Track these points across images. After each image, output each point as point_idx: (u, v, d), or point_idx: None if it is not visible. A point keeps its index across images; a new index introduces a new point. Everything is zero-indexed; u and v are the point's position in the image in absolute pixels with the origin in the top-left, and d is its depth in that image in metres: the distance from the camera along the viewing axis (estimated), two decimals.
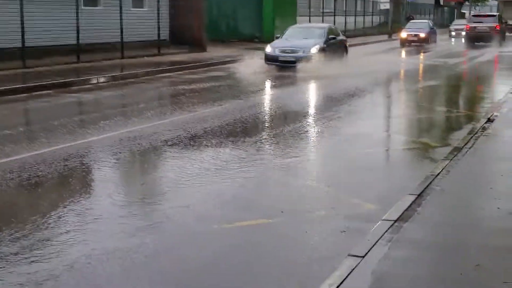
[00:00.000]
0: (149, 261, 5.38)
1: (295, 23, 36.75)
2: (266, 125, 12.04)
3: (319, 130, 11.37)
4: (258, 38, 34.03)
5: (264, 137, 10.52)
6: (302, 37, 22.31)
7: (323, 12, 41.66)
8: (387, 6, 48.49)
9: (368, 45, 37.60)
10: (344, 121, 12.28)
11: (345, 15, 45.51)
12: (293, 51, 21.16)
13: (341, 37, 24.54)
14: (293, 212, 6.66)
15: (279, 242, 5.90)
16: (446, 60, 28.25)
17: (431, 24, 39.67)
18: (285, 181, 7.89)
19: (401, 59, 30.19)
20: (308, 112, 13.78)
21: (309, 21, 39.21)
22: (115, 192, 7.43)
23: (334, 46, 22.68)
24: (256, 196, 7.35)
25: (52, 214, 6.52)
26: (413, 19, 52.61)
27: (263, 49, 29.98)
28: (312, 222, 6.41)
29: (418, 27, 38.45)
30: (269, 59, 21.42)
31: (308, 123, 12.02)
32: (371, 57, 28.42)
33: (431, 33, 38.63)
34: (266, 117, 13.02)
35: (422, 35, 37.23)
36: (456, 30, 48.97)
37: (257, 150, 9.54)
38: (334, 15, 43.26)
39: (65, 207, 6.76)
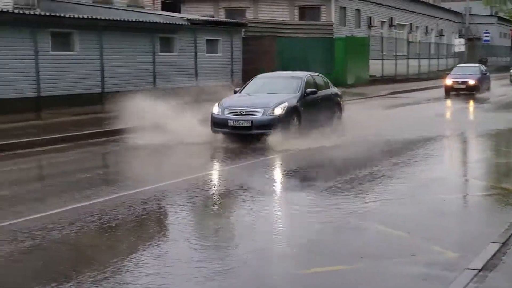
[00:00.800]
0: None
1: (367, 66, 36.75)
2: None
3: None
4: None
5: (339, 181, 10.44)
6: (269, 90, 15.66)
7: (396, 56, 41.42)
8: (462, 49, 47.91)
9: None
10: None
11: (419, 58, 45.14)
12: (248, 113, 14.43)
13: (330, 90, 17.25)
14: (372, 258, 6.53)
15: None
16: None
17: (483, 69, 32.85)
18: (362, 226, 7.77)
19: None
20: None
21: (382, 65, 38.99)
22: (192, 235, 7.49)
23: (317, 103, 15.78)
24: (333, 241, 7.25)
25: (131, 257, 6.61)
26: (486, 61, 51.39)
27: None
28: (392, 269, 6.26)
29: (467, 72, 31.46)
30: (216, 123, 14.60)
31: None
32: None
33: (483, 79, 31.67)
34: None
35: (472, 82, 30.17)
36: None
37: (332, 195, 9.46)
38: (408, 58, 42.97)
39: (144, 250, 6.84)
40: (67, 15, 19.61)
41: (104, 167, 12.79)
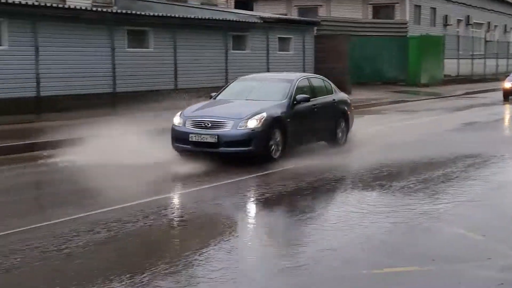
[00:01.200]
0: None
1: (442, 66, 35.98)
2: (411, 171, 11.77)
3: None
4: (403, 81, 33.58)
5: (412, 181, 10.27)
6: (249, 96, 12.70)
7: (472, 55, 40.41)
8: None
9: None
10: None
11: (497, 58, 43.89)
12: (215, 125, 11.53)
13: (333, 97, 13.95)
14: (445, 260, 6.39)
15: None
16: None
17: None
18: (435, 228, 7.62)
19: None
20: None
21: (458, 65, 38.10)
22: (263, 232, 7.52)
23: (312, 113, 12.87)
24: (405, 242, 7.13)
25: (203, 251, 6.68)
26: None
27: (407, 92, 29.77)
28: (466, 272, 6.11)
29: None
30: (177, 137, 11.86)
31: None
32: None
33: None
34: None
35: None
36: None
37: (404, 195, 9.32)
38: (485, 58, 41.86)
39: (215, 245, 6.91)
40: (143, 13, 20.02)
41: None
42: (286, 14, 36.51)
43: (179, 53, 20.96)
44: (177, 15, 21.25)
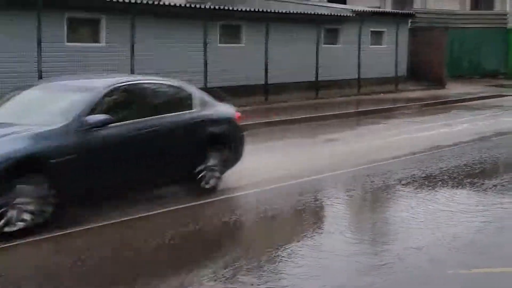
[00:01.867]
0: None
1: None
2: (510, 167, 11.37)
3: None
4: (503, 75, 32.35)
5: (506, 179, 9.92)
6: (16, 114, 8.09)
7: None
8: None
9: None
10: None
11: None
12: None
13: (194, 114, 8.97)
14: None
15: None
16: None
17: None
18: None
19: None
20: None
21: None
22: (347, 229, 7.48)
23: (137, 144, 8.11)
24: (496, 242, 6.91)
25: (286, 247, 6.71)
26: None
27: (508, 86, 28.62)
28: None
29: None
30: None
31: None
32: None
33: None
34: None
35: None
36: None
37: (497, 193, 9.02)
38: None
39: (298, 241, 6.93)
40: (236, 8, 20.23)
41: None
42: (379, 7, 35.95)
43: (270, 48, 21.05)
44: (270, 10, 21.34)
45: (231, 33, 20.79)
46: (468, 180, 9.90)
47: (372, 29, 26.10)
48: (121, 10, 17.33)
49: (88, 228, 7.27)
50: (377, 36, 26.43)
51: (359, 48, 24.22)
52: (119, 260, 6.49)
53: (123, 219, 7.62)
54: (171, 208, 8.17)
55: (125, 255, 6.63)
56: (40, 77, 15.23)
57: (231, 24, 20.70)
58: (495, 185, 9.49)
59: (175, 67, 18.67)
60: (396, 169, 10.77)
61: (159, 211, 8.03)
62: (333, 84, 23.57)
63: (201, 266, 6.16)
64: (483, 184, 9.61)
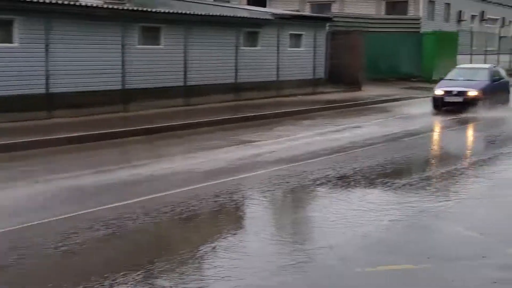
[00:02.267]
0: None
1: (455, 62, 35.75)
2: (420, 167, 11.76)
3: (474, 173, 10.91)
4: (416, 77, 33.41)
5: (414, 179, 10.26)
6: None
7: (486, 51, 40.08)
8: None
9: None
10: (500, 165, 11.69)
11: (511, 53, 43.40)
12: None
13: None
14: (440, 259, 6.41)
15: None
16: None
17: (496, 73, 22.69)
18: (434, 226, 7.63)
19: None
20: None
21: (471, 61, 37.82)
22: (261, 230, 7.56)
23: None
24: (402, 240, 7.15)
25: (200, 249, 6.74)
26: None
27: (421, 88, 29.59)
28: (460, 271, 6.13)
29: (469, 77, 21.58)
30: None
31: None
32: None
33: (493, 89, 21.22)
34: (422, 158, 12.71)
35: (473, 93, 20.36)
36: None
37: (406, 192, 9.32)
38: (499, 54, 41.47)
39: (213, 243, 6.97)
40: (155, 10, 20.06)
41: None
42: (298, 10, 36.46)
43: (189, 50, 20.97)
44: (190, 12, 21.28)
45: (150, 35, 20.60)
46: (380, 180, 10.19)
47: (291, 32, 26.43)
48: (35, 11, 16.90)
49: None
50: (296, 39, 26.78)
51: (278, 50, 24.44)
52: None
53: None
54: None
55: None
56: None
57: (151, 25, 20.52)
58: (404, 185, 9.81)
59: (92, 68, 18.40)
60: (311, 169, 10.95)
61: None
62: (252, 86, 23.73)
63: (115, 270, 6.10)
64: (393, 183, 9.91)
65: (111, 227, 7.53)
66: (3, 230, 7.31)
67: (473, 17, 45.32)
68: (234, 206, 8.78)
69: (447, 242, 7.01)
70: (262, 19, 24.62)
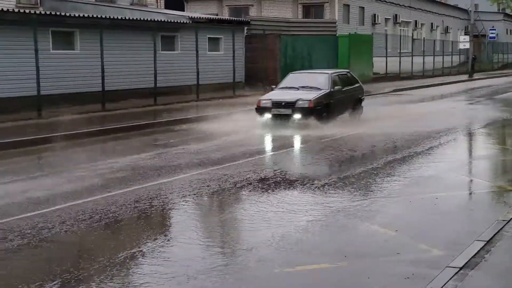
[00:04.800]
0: None
1: (371, 64, 36.71)
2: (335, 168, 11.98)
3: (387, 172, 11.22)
4: None
5: (333, 179, 10.45)
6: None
7: (400, 53, 41.32)
8: (467, 45, 47.68)
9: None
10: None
11: (424, 55, 44.98)
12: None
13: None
14: (356, 256, 6.56)
15: None
16: None
17: (336, 78, 18.33)
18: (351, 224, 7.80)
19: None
20: None
21: (386, 63, 38.83)
22: (180, 234, 7.53)
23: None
24: (320, 240, 7.27)
25: (120, 256, 6.65)
26: (475, 59, 50.58)
27: None
28: (376, 268, 6.29)
29: (305, 84, 17.87)
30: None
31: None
32: None
33: (332, 98, 17.43)
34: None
35: (303, 103, 16.60)
36: None
37: (324, 193, 9.49)
38: (412, 56, 42.84)
39: (131, 249, 6.88)
40: (69, 14, 19.69)
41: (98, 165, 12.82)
42: (217, 14, 36.58)
43: (106, 55, 20.67)
44: (104, 16, 21.00)
45: (64, 40, 20.22)
46: (299, 181, 10.33)
47: (210, 36, 26.48)
48: None
49: None
50: (214, 43, 26.85)
51: (197, 54, 24.41)
52: None
53: None
54: None
55: None
56: None
57: (64, 30, 20.13)
58: (323, 185, 9.97)
59: (4, 73, 17.93)
60: (232, 173, 10.99)
61: None
62: (173, 90, 23.64)
63: (30, 280, 5.94)
64: (312, 184, 10.06)
65: (26, 236, 7.34)
66: None
67: (387, 20, 46.64)
68: (154, 211, 8.70)
69: (363, 240, 7.18)
70: (179, 22, 24.58)
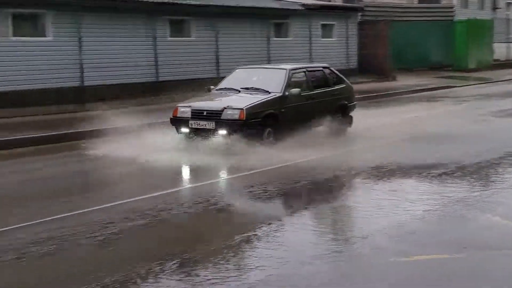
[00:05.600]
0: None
1: (491, 50, 35.20)
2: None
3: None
4: (449, 67, 32.99)
5: (450, 169, 10.12)
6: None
7: None
8: None
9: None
10: None
11: None
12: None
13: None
14: (476, 248, 6.32)
15: (457, 280, 5.62)
16: None
17: (291, 79, 12.71)
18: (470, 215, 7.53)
19: None
20: None
21: (507, 49, 37.13)
22: (294, 220, 7.54)
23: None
24: (436, 230, 7.05)
25: (235, 239, 6.75)
26: None
27: (454, 77, 29.24)
28: (497, 261, 6.03)
29: (249, 82, 12.90)
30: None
31: None
32: None
33: (285, 106, 12.18)
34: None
35: (232, 114, 11.51)
36: None
37: (441, 182, 9.21)
38: None
39: (248, 232, 6.96)
40: (182, 2, 20.15)
41: None
42: (329, 1, 36.22)
43: (220, 42, 21.03)
44: (217, 4, 21.33)
45: (180, 27, 20.71)
46: (415, 170, 10.09)
47: (323, 22, 26.31)
48: (67, 5, 17.10)
49: None
50: (327, 29, 26.65)
51: (310, 41, 24.39)
52: None
53: None
54: None
55: None
56: None
57: (180, 18, 20.63)
58: (440, 175, 9.69)
59: (125, 61, 18.60)
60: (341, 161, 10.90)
61: None
62: None
63: (152, 258, 6.14)
64: (429, 173, 9.79)
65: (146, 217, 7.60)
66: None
67: (508, 4, 44.55)
68: (268, 196, 8.75)
69: (484, 232, 6.91)
70: (292, 9, 24.54)
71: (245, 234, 6.86)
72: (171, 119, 12.19)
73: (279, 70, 13.05)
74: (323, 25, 26.40)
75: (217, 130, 11.45)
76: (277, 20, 24.11)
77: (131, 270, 5.83)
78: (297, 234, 6.94)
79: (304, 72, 13.25)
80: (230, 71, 13.96)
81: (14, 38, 16.32)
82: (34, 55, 16.53)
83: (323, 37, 26.44)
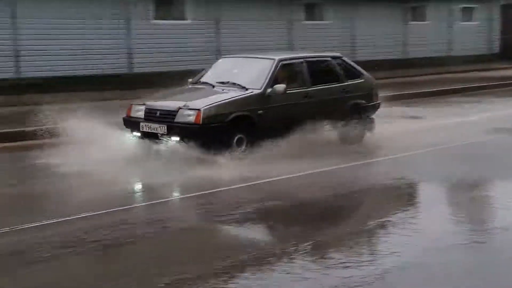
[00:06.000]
0: (461, 277, 5.19)
1: None
2: None
3: None
4: None
5: None
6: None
7: None
8: None
9: None
10: None
11: None
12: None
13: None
14: None
15: None
16: None
17: (277, 72, 9.93)
18: None
19: None
20: None
21: None
22: (431, 207, 7.35)
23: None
24: None
25: (369, 224, 6.68)
26: None
27: None
28: None
29: (228, 76, 10.26)
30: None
31: None
32: None
33: (265, 106, 9.55)
34: None
35: (187, 116, 9.06)
36: None
37: None
38: None
39: (382, 218, 6.87)
40: None
41: None
42: None
43: (356, 26, 20.85)
44: None
45: (315, 11, 20.71)
46: None
47: (463, 6, 25.37)
48: None
49: None
50: (467, 13, 25.67)
51: (449, 25, 23.64)
52: None
53: None
54: None
55: None
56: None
57: (314, 2, 20.64)
58: None
59: (259, 45, 18.88)
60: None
61: None
62: (422, 62, 23.07)
63: (284, 240, 6.19)
64: None
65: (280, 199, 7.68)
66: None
67: None
68: (404, 183, 8.59)
69: None
70: None
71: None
72: (123, 119, 9.80)
73: (264, 60, 10.20)
74: (464, 8, 25.42)
75: (170, 136, 9.06)
76: (414, 3, 23.51)
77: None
78: (431, 222, 6.75)
79: (301, 62, 10.37)
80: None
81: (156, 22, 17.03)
82: (174, 37, 17.14)
83: (463, 21, 25.48)
